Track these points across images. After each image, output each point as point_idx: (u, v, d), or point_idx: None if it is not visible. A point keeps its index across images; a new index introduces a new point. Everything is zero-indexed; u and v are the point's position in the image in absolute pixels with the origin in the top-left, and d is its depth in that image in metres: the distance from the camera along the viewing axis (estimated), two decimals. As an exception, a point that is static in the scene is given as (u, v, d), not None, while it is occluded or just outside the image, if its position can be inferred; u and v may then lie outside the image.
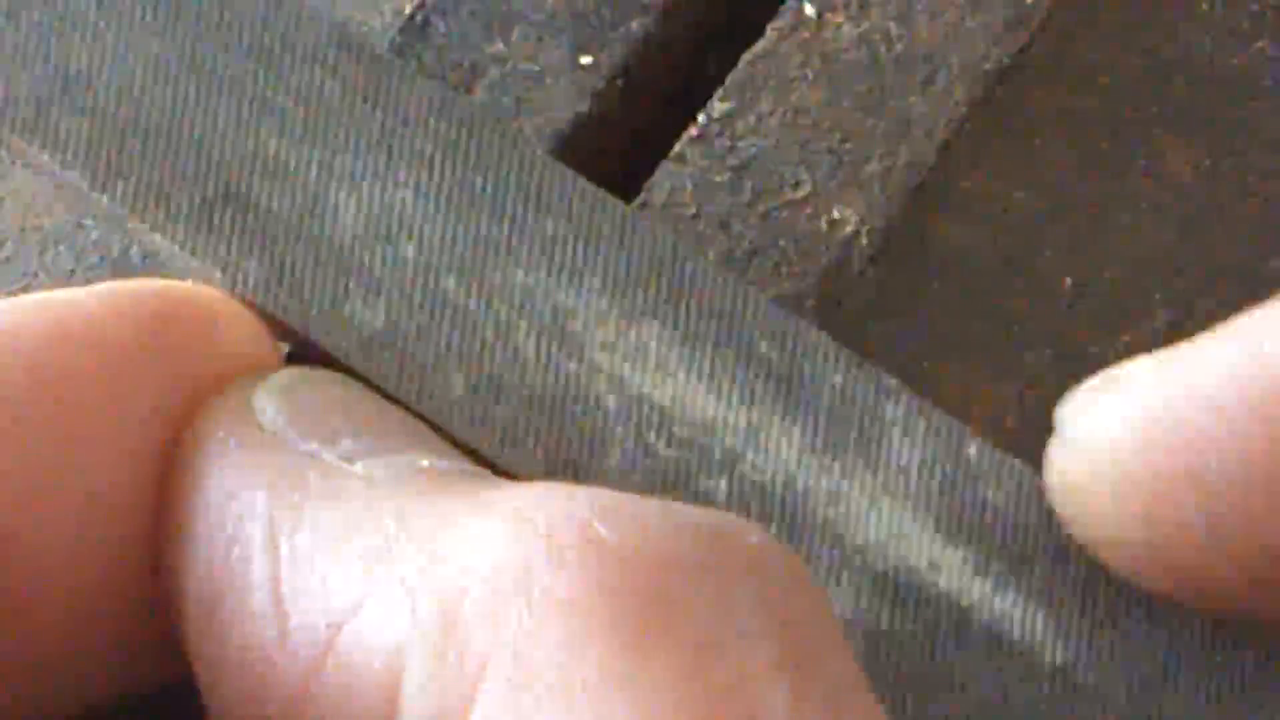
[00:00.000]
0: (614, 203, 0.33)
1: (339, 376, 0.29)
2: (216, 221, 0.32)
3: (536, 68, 0.42)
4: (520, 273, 0.32)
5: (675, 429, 0.32)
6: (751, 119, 0.42)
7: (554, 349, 0.32)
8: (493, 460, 0.31)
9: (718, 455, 0.32)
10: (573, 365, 0.32)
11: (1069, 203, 0.41)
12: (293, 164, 0.32)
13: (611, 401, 0.32)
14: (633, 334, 0.32)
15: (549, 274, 0.32)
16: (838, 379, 0.32)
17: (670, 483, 0.31)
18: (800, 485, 0.32)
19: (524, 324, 0.32)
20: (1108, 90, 0.43)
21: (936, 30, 0.42)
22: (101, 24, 0.33)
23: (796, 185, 0.41)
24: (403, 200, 0.32)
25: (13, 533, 0.25)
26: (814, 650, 0.23)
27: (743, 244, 0.40)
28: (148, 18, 0.33)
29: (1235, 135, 0.42)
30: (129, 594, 0.26)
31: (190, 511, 0.25)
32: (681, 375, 0.32)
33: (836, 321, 0.40)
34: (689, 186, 0.41)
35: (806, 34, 0.43)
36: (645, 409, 0.32)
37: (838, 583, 0.31)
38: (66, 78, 0.33)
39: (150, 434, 0.26)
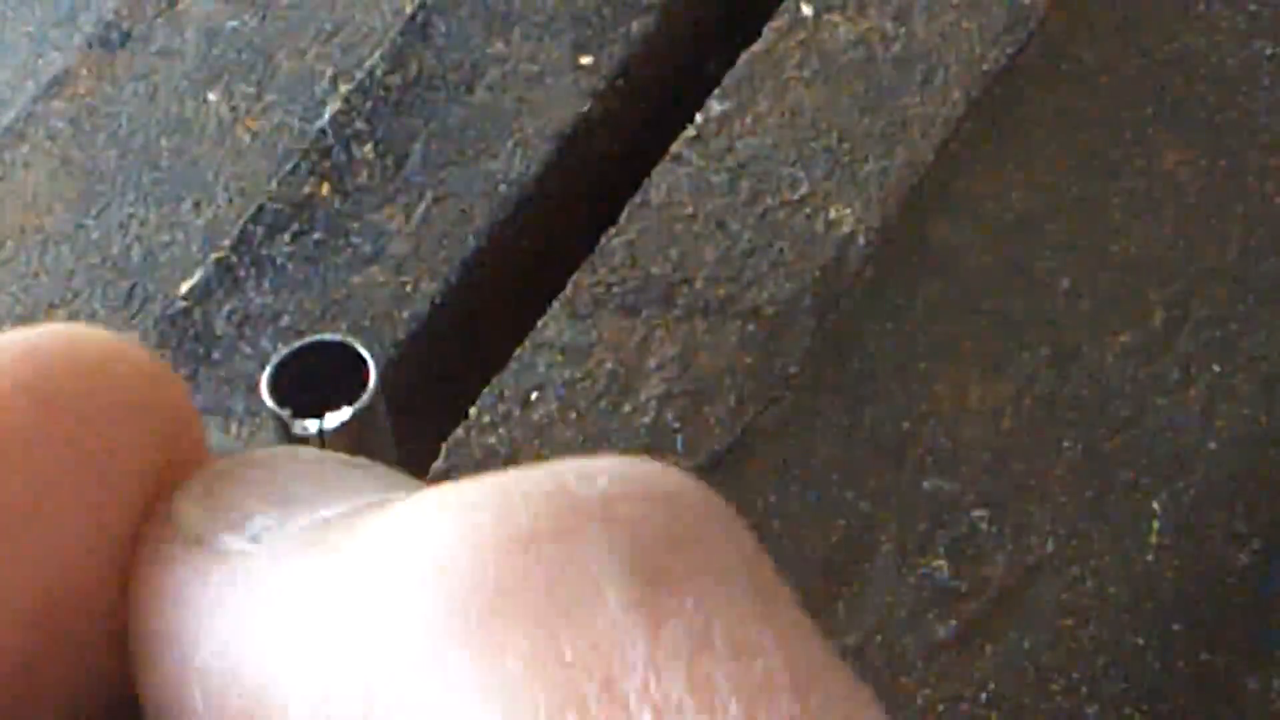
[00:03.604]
0: None
1: (269, 452, 0.29)
2: None
3: (536, 68, 0.42)
4: None
5: None
6: (749, 119, 0.42)
7: None
8: None
9: None
10: None
11: (1065, 203, 0.42)
12: None
13: None
14: None
15: None
16: None
17: None
18: None
19: None
20: (1104, 91, 0.43)
21: (934, 31, 0.43)
22: None
23: (794, 185, 0.41)
24: None
25: None
26: (686, 579, 0.22)
27: (740, 243, 0.41)
28: None
29: (1232, 135, 0.43)
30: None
31: (134, 617, 0.26)
32: None
33: (833, 321, 0.40)
34: (686, 186, 0.41)
35: (804, 34, 0.43)
36: None
37: None
38: None
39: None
